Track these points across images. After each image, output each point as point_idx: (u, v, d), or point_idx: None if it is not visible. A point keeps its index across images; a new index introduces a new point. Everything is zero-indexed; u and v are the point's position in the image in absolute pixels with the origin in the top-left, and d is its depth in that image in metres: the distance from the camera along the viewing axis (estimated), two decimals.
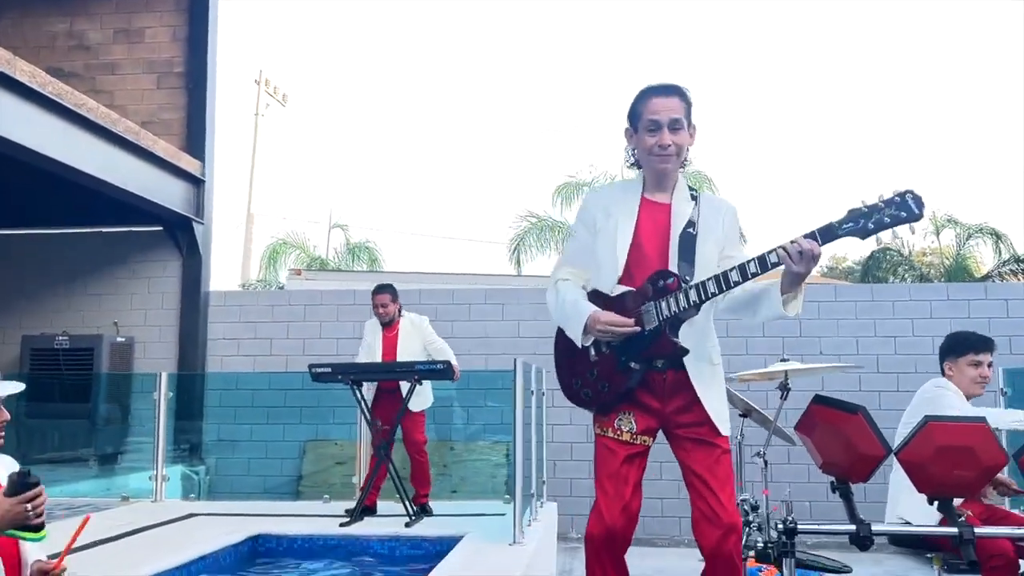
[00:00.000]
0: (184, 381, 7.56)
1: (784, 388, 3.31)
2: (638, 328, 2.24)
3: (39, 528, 1.91)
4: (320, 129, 46.72)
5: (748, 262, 2.11)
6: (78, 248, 8.08)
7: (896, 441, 2.68)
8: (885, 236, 2.13)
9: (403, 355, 4.91)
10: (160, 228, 7.83)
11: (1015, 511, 3.37)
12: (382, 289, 5.06)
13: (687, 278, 2.23)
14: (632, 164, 2.46)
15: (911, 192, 1.97)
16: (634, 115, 2.38)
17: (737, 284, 2.15)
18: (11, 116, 5.51)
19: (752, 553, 2.77)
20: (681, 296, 2.20)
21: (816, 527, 2.31)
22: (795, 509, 2.34)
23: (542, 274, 11.85)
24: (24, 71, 5.58)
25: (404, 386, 4.74)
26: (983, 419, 2.33)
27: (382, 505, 4.98)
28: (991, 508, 3.17)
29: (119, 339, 7.69)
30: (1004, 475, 3.13)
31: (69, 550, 2.02)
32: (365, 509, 4.68)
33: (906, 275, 12.61)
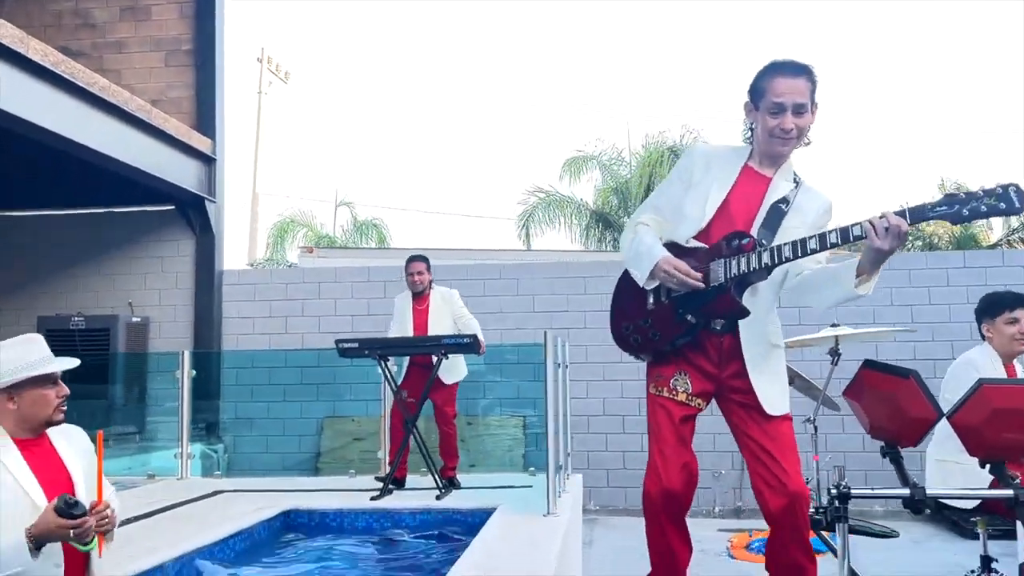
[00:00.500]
0: (200, 360, 7.55)
1: (835, 354, 3.29)
2: (702, 285, 2.22)
3: (85, 543, 1.96)
4: (323, 107, 46.44)
5: (829, 232, 2.09)
6: (90, 229, 8.05)
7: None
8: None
9: (434, 328, 4.92)
10: (172, 207, 7.80)
11: None
12: (417, 258, 5.08)
13: (763, 242, 2.22)
14: (748, 138, 2.42)
15: (1016, 186, 1.95)
16: (756, 92, 2.32)
17: (814, 252, 2.12)
18: (24, 95, 5.46)
19: None
20: (753, 256, 2.19)
21: (870, 492, 2.31)
22: (845, 476, 2.34)
23: (552, 248, 11.87)
24: (37, 50, 5.53)
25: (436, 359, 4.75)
26: None
27: (409, 479, 5.01)
28: None
29: (134, 319, 7.69)
30: None
31: (101, 475, 2.03)
32: (394, 482, 4.70)
33: (912, 245, 12.59)
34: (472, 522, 4.15)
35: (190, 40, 7.96)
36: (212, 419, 7.63)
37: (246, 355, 7.80)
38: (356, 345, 4.62)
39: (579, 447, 7.30)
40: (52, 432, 2.09)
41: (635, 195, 12.47)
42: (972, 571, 2.87)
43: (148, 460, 6.52)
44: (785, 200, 2.30)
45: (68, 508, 1.89)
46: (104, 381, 7.39)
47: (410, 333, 5.00)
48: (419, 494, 4.61)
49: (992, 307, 3.37)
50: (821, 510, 2.58)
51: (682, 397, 2.27)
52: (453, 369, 4.93)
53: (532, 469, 5.22)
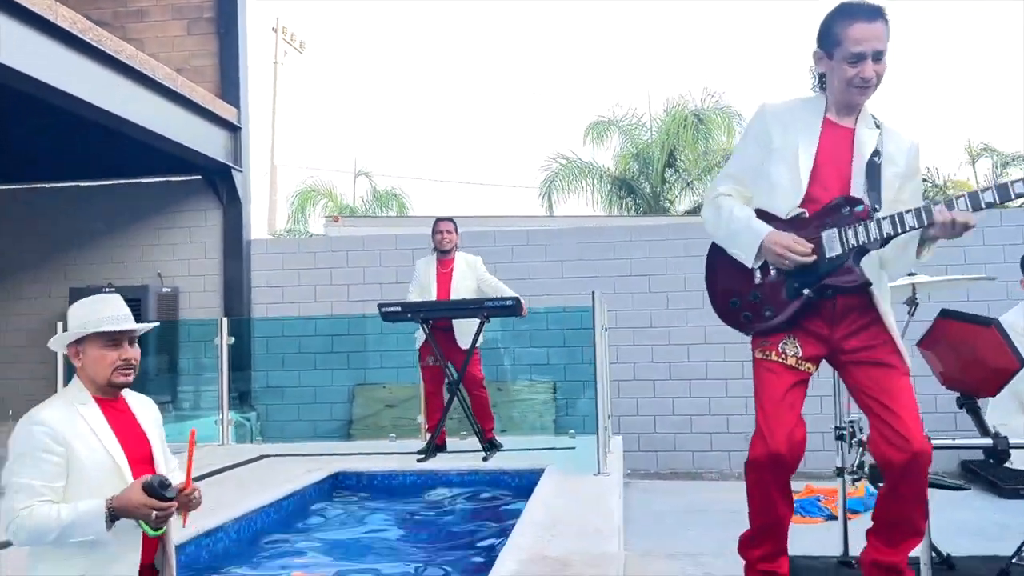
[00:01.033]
0: (232, 328, 7.59)
1: (912, 304, 3.24)
2: (814, 257, 2.14)
3: (158, 528, 1.90)
4: (339, 77, 46.06)
5: (957, 197, 2.02)
6: (117, 200, 8.04)
7: None
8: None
9: (457, 292, 4.89)
10: (199, 177, 7.77)
11: None
12: (446, 218, 5.06)
13: (876, 207, 2.13)
14: (819, 87, 2.31)
15: None
16: (830, 38, 2.19)
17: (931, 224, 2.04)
18: (53, 63, 5.41)
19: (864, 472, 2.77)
20: (872, 226, 2.10)
21: (951, 442, 2.28)
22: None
23: (576, 215, 11.80)
24: (65, 17, 5.47)
25: (456, 324, 4.74)
26: None
27: (448, 443, 5.03)
28: None
29: (164, 289, 7.71)
30: None
31: (191, 466, 2.00)
32: (437, 446, 4.72)
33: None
34: (520, 482, 4.17)
35: (212, 7, 7.86)
36: (244, 388, 7.66)
37: (276, 324, 7.81)
38: (399, 309, 4.61)
39: (610, 412, 7.31)
40: (129, 396, 2.07)
41: (657, 159, 12.35)
42: None
43: (185, 428, 6.57)
44: (876, 152, 2.19)
45: (161, 488, 1.83)
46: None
47: (433, 296, 4.96)
48: (463, 456, 4.64)
49: None
50: None
51: (792, 361, 2.18)
52: (472, 333, 4.86)
53: (572, 432, 5.24)
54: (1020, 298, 3.38)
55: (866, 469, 2.70)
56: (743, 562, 2.27)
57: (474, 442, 4.81)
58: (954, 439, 2.30)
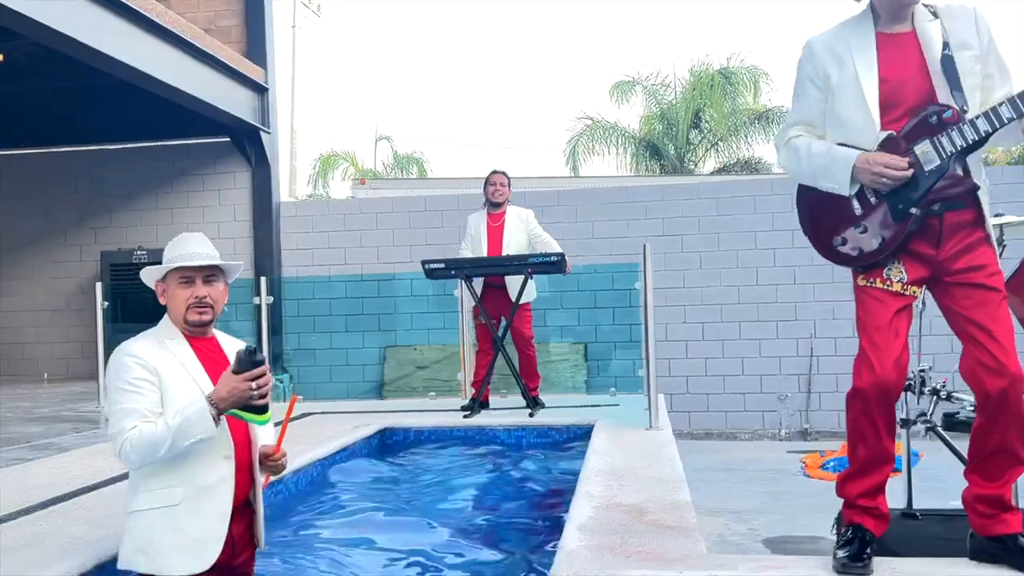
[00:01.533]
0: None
1: (1000, 244, 3.13)
2: (911, 171, 2.05)
3: (263, 410, 1.86)
4: (358, 41, 45.63)
5: None
6: (145, 162, 8.02)
7: None
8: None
9: (509, 245, 4.83)
10: (227, 139, 7.72)
11: None
12: (499, 171, 5.00)
13: (964, 108, 2.04)
14: None
15: None
16: None
17: None
18: (80, 18, 5.34)
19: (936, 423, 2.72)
20: (967, 128, 2.01)
21: None
22: None
23: (602, 175, 11.69)
24: None
25: (509, 280, 4.69)
26: None
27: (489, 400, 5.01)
28: None
29: None
30: None
31: (285, 432, 1.99)
32: (481, 403, 4.71)
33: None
34: (569, 437, 4.16)
35: None
36: (276, 350, 7.68)
37: (307, 286, 7.81)
38: (443, 266, 4.57)
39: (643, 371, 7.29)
40: (220, 336, 2.06)
41: (681, 119, 12.17)
42: None
43: None
44: (945, 44, 2.07)
45: (248, 356, 1.80)
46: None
47: (484, 251, 4.90)
48: (508, 412, 4.63)
49: None
50: (972, 406, 2.49)
51: (897, 287, 2.11)
52: (525, 290, 4.82)
53: (613, 390, 5.23)
54: None
55: (939, 419, 2.65)
56: (842, 501, 2.23)
57: (516, 399, 4.80)
58: None
